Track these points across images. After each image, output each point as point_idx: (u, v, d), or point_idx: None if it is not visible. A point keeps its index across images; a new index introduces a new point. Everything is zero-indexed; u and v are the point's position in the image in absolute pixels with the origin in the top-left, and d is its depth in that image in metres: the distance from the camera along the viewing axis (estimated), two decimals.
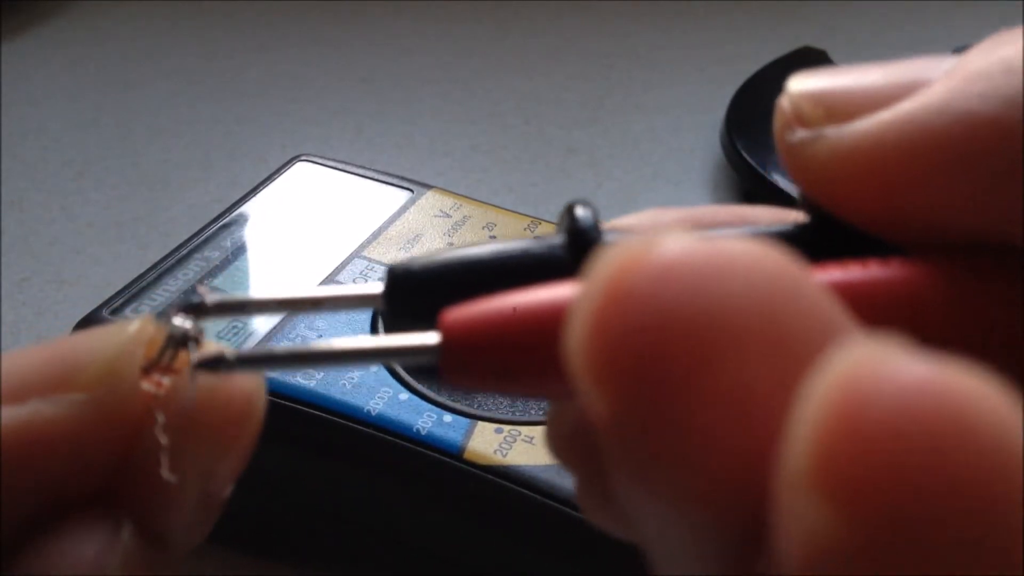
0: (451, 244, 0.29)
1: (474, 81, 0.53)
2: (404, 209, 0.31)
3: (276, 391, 0.23)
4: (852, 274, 0.11)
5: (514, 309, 0.11)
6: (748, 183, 0.42)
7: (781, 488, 0.08)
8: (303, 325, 0.26)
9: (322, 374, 0.24)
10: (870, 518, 0.07)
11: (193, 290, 0.14)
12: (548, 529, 0.22)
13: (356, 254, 0.29)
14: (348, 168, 0.33)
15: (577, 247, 0.12)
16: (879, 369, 0.08)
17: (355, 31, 0.58)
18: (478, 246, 0.12)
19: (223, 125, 0.49)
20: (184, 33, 0.58)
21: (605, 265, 0.09)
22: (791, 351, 0.09)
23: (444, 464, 0.23)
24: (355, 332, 0.26)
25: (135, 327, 0.13)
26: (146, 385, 0.13)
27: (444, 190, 0.32)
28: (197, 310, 0.13)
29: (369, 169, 0.33)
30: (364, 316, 0.26)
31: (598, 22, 0.59)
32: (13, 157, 0.46)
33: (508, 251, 0.12)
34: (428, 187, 0.32)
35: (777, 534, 0.08)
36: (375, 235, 0.29)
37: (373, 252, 0.29)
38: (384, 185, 0.32)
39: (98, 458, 0.13)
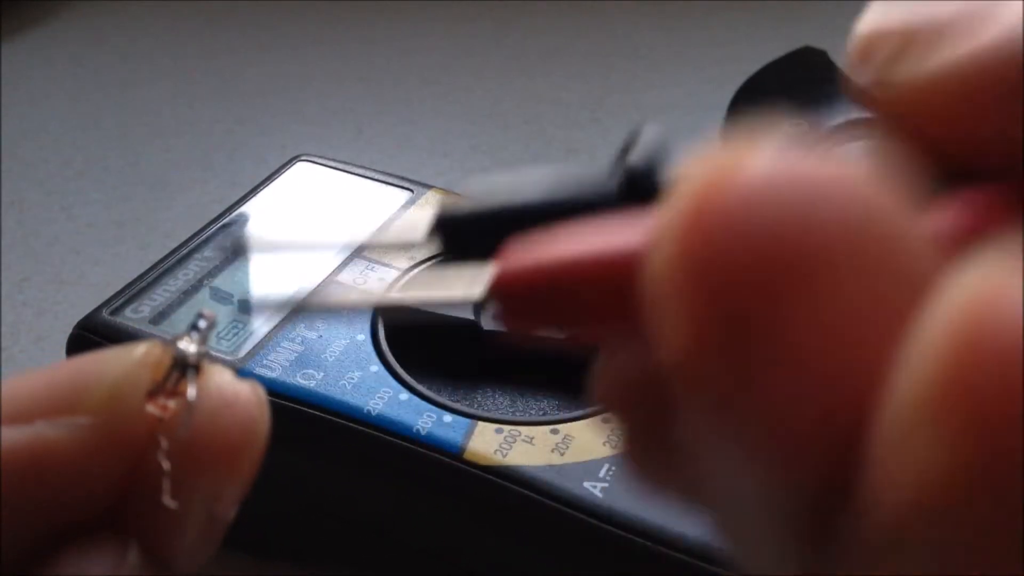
0: None
1: (474, 81, 0.53)
2: (404, 209, 0.31)
3: (276, 392, 0.23)
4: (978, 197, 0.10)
5: (571, 256, 0.10)
6: None
7: (890, 424, 0.07)
8: (303, 325, 0.26)
9: (322, 375, 0.24)
10: (1002, 450, 0.07)
11: (200, 314, 0.14)
12: (548, 529, 0.22)
13: (356, 254, 0.29)
14: (348, 168, 0.33)
15: (634, 190, 0.11)
16: (1007, 292, 0.07)
17: (355, 31, 0.58)
18: (528, 184, 0.12)
19: (223, 125, 0.49)
20: (184, 33, 0.58)
21: (692, 182, 0.09)
22: (897, 277, 0.08)
23: (444, 464, 0.23)
24: (356, 333, 0.26)
25: (141, 351, 0.13)
26: (151, 408, 0.13)
27: (444, 190, 0.32)
28: (240, 251, 0.12)
29: (369, 169, 0.33)
30: (363, 318, 0.26)
31: (598, 22, 0.59)
32: (13, 157, 0.46)
33: (559, 197, 0.12)
34: (428, 187, 0.32)
35: (872, 481, 0.08)
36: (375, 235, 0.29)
37: (373, 252, 0.29)
38: (384, 185, 0.32)
39: (103, 481, 0.13)
